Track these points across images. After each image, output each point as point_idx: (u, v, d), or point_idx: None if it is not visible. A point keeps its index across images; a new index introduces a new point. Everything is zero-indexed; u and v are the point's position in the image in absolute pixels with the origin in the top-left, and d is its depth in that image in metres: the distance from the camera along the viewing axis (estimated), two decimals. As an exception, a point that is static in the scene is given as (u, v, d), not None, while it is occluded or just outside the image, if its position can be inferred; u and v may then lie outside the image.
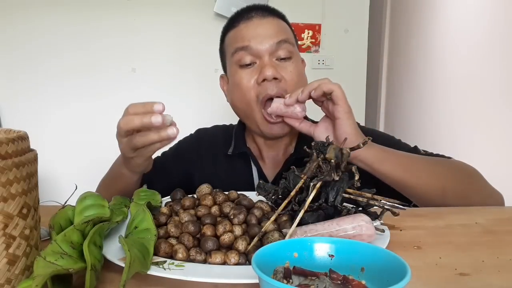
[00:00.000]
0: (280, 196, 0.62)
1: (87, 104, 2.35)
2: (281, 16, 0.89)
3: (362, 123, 2.26)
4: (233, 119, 1.01)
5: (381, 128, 5.36)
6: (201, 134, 1.02)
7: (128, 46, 2.31)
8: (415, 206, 0.79)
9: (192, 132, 1.04)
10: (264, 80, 0.81)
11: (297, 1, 2.45)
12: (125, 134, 0.64)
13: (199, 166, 0.95)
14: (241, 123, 0.98)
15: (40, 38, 2.26)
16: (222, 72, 0.98)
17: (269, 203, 0.64)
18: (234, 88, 0.87)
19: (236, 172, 0.92)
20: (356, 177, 0.57)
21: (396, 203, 0.57)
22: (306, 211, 0.60)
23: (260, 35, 0.82)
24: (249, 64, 0.83)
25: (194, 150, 0.97)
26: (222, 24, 0.93)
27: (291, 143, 0.93)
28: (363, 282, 0.41)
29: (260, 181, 0.68)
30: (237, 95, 0.86)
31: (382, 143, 0.79)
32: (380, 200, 0.57)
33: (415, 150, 0.90)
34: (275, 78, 0.81)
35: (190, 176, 0.94)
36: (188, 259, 0.51)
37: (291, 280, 0.41)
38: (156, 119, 0.59)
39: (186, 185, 0.86)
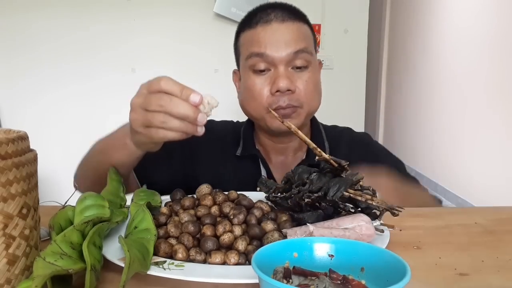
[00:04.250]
0: (280, 196, 0.62)
1: (87, 104, 2.35)
2: (302, 18, 0.84)
3: (362, 123, 2.27)
4: (234, 119, 1.01)
5: (381, 128, 5.37)
6: (212, 127, 0.97)
7: (128, 46, 2.31)
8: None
9: None
10: (277, 91, 0.79)
11: (297, 1, 2.45)
12: (149, 109, 0.55)
13: (207, 162, 0.91)
14: (249, 123, 0.95)
15: (40, 39, 2.26)
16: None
17: (269, 203, 0.64)
18: (245, 92, 0.85)
19: (245, 174, 0.89)
20: (361, 182, 0.57)
21: (395, 206, 0.57)
22: (306, 211, 0.60)
23: (277, 43, 0.79)
24: (263, 70, 0.81)
25: (203, 142, 0.91)
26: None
27: (301, 148, 0.91)
28: (363, 282, 0.41)
29: (263, 176, 0.68)
30: (248, 100, 0.84)
31: (374, 157, 0.84)
32: (379, 202, 0.57)
33: (402, 166, 0.93)
34: (288, 90, 0.78)
35: (195, 170, 0.90)
36: (188, 259, 0.51)
37: (291, 280, 0.41)
38: (202, 119, 0.55)
39: (189, 179, 0.83)
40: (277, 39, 0.79)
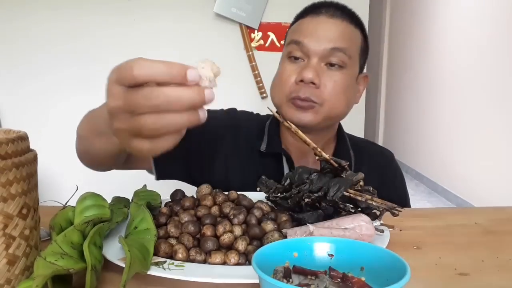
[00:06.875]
0: (280, 196, 0.62)
1: (87, 104, 2.35)
2: (354, 21, 0.82)
3: (362, 123, 2.27)
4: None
5: (381, 128, 5.37)
6: (238, 117, 0.92)
7: (128, 45, 2.31)
8: None
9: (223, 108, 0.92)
10: (301, 81, 0.76)
11: (297, 1, 2.45)
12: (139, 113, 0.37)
13: (228, 156, 0.86)
14: (275, 119, 0.91)
15: (40, 38, 2.26)
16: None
17: (269, 203, 0.64)
18: (276, 77, 0.83)
19: (268, 172, 0.82)
20: (361, 183, 0.57)
21: (395, 206, 0.57)
22: (306, 211, 0.60)
23: (317, 35, 0.77)
24: (297, 59, 0.79)
25: (228, 133, 0.87)
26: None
27: (325, 152, 0.90)
28: (363, 278, 0.41)
29: (263, 177, 0.67)
30: (274, 86, 0.83)
31: (393, 177, 0.85)
32: (379, 202, 0.57)
33: (407, 199, 0.94)
34: (313, 83, 0.76)
35: (214, 164, 0.85)
36: (188, 259, 0.51)
37: (291, 280, 0.41)
38: (211, 96, 0.41)
39: (206, 174, 0.81)
40: (318, 32, 0.78)
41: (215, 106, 0.71)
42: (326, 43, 0.77)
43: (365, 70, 0.89)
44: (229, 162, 0.86)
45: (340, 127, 0.91)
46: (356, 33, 0.81)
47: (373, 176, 0.63)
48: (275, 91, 0.82)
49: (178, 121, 0.38)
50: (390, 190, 0.76)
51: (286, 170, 0.85)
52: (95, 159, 0.69)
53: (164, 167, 0.83)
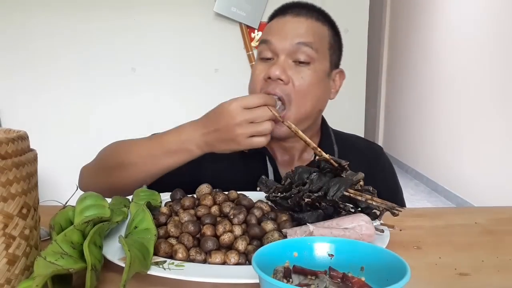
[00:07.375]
0: (280, 195, 0.62)
1: (87, 104, 2.35)
2: (322, 19, 0.84)
3: (362, 123, 2.27)
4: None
5: (381, 128, 5.37)
6: None
7: (128, 45, 2.31)
8: None
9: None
10: (269, 78, 0.79)
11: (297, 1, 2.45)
12: (257, 121, 0.67)
13: (212, 159, 0.87)
14: None
15: (40, 38, 2.26)
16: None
17: (269, 203, 0.64)
18: (250, 78, 0.86)
19: (252, 172, 0.85)
20: (361, 182, 0.57)
21: (395, 206, 0.57)
22: (306, 211, 0.60)
23: (284, 33, 0.81)
24: (268, 59, 0.82)
25: None
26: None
27: (307, 149, 0.89)
28: (363, 278, 0.41)
29: (263, 176, 0.67)
30: (250, 86, 0.86)
31: (381, 172, 0.86)
32: (379, 202, 0.57)
33: (399, 192, 0.95)
34: (281, 79, 0.78)
35: (201, 169, 0.87)
36: (188, 259, 0.51)
37: (291, 280, 0.41)
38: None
39: (195, 178, 0.82)
40: (284, 30, 0.81)
41: (218, 101, 0.76)
42: (292, 39, 0.79)
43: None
44: (215, 166, 0.87)
45: (324, 122, 0.92)
46: (323, 29, 0.84)
47: (360, 169, 0.64)
48: (249, 92, 0.85)
49: (272, 127, 0.69)
50: (378, 183, 0.76)
51: (270, 169, 0.87)
52: (138, 181, 0.78)
53: (160, 187, 0.82)
